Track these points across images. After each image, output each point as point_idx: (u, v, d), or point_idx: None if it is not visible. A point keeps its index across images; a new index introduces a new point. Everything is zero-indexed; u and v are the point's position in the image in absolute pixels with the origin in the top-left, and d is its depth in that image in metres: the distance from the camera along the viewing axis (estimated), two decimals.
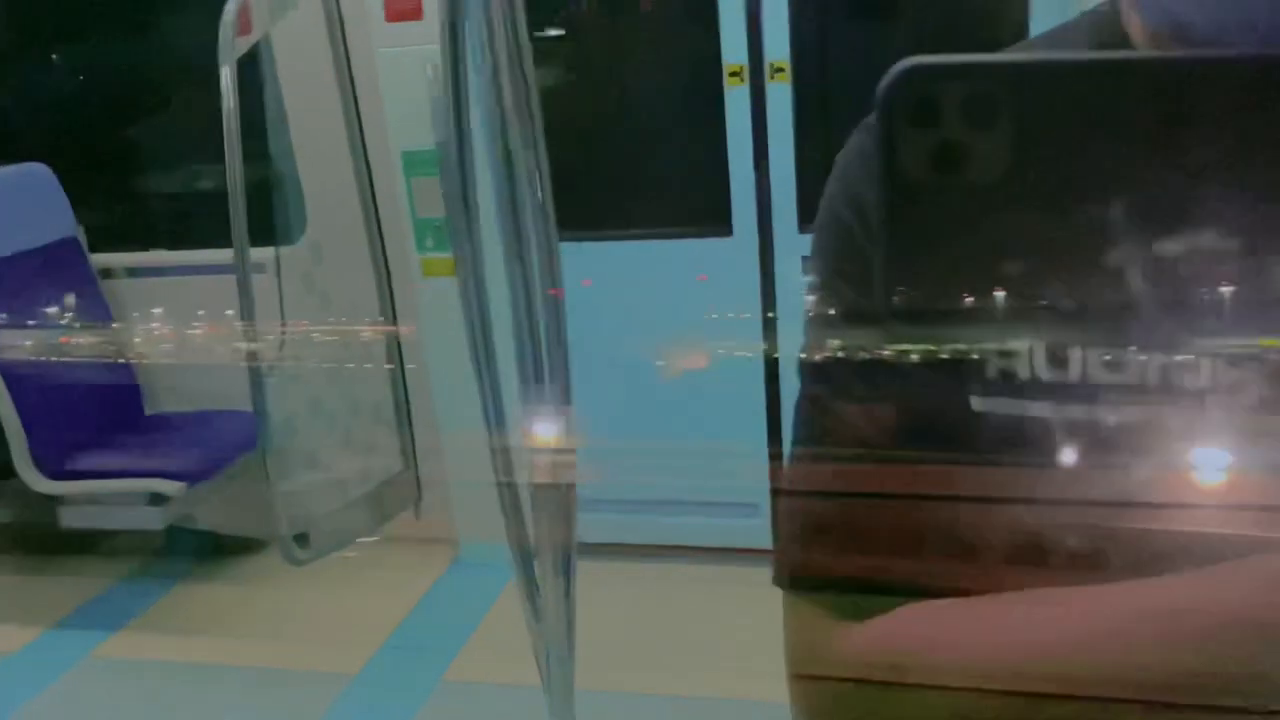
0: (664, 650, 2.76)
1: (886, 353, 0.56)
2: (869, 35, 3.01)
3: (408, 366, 3.28)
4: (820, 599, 0.62)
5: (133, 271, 3.48)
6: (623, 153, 3.18)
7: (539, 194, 1.66)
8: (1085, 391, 0.54)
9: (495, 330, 1.81)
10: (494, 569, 2.64)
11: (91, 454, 3.12)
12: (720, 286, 2.91)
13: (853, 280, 0.60)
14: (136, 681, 2.89)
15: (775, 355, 2.86)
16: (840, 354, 0.60)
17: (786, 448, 0.64)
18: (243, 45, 2.57)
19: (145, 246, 3.54)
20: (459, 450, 3.05)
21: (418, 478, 3.35)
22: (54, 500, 3.07)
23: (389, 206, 3.06)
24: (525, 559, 1.87)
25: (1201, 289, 0.44)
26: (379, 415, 3.30)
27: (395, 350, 3.28)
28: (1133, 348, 0.53)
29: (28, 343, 2.88)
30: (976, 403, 0.56)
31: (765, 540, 2.72)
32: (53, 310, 3.03)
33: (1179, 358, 0.52)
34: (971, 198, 0.45)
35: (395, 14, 2.73)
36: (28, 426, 3.01)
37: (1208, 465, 0.52)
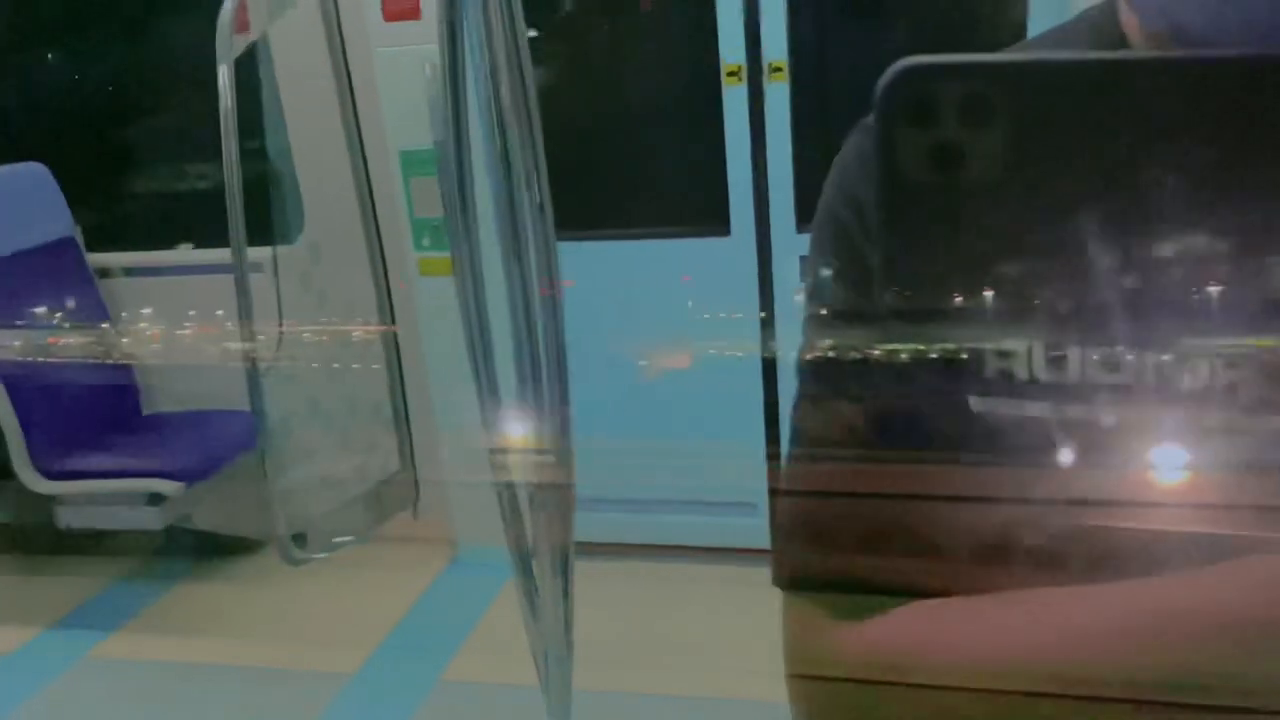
0: (662, 650, 2.76)
1: (884, 353, 0.56)
2: (867, 35, 3.01)
3: (405, 366, 3.28)
4: (819, 599, 0.61)
5: (130, 271, 3.48)
6: (621, 152, 3.17)
7: (537, 194, 1.66)
8: (1084, 391, 0.54)
9: (493, 330, 1.81)
10: (492, 569, 2.64)
11: (89, 454, 3.11)
12: (718, 286, 2.91)
13: (851, 280, 0.60)
14: (135, 681, 2.89)
15: (773, 355, 2.86)
16: (838, 354, 0.60)
17: (784, 447, 0.64)
18: (240, 44, 2.57)
19: (143, 246, 3.54)
20: (457, 450, 3.05)
21: (415, 477, 3.35)
22: (52, 500, 3.07)
23: (386, 206, 3.06)
24: (523, 559, 1.87)
25: (1200, 289, 0.44)
26: (377, 415, 3.30)
27: (393, 350, 3.27)
28: (1131, 348, 0.53)
29: (25, 343, 2.88)
30: (975, 403, 0.56)
31: (763, 540, 2.72)
32: (50, 310, 3.02)
33: (1177, 358, 0.53)
34: (969, 197, 0.45)
35: (393, 13, 2.73)
36: (26, 427, 3.01)
37: (1205, 465, 0.52)
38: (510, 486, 1.84)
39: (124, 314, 3.42)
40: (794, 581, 0.64)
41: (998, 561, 0.55)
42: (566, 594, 1.86)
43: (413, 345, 3.18)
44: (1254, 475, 0.51)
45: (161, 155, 3.80)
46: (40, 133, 3.79)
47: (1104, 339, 0.52)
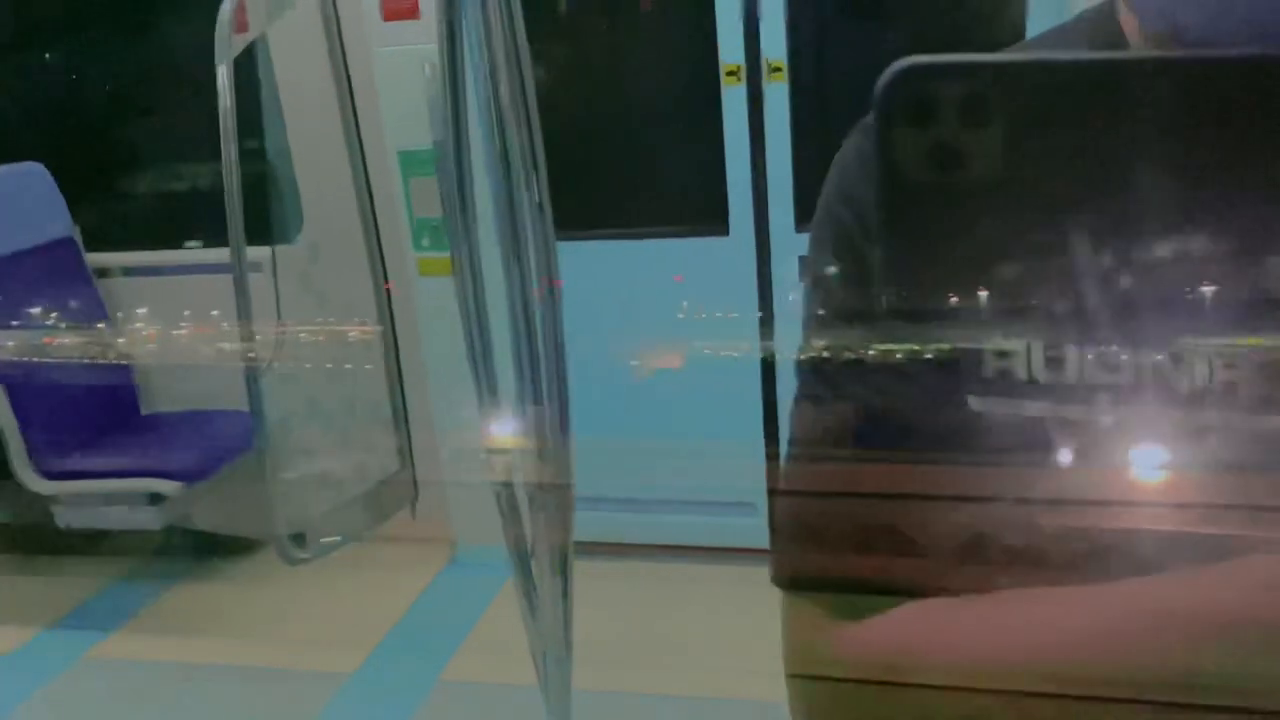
0: (661, 650, 2.76)
1: (883, 353, 0.56)
2: (866, 35, 3.01)
3: (404, 366, 3.28)
4: (818, 599, 0.62)
5: (129, 271, 3.48)
6: (620, 152, 3.17)
7: (536, 193, 1.66)
8: (1082, 391, 0.54)
9: (492, 330, 1.81)
10: (491, 568, 2.64)
11: (88, 454, 3.11)
12: (717, 286, 2.91)
13: (850, 279, 0.60)
14: (134, 681, 2.88)
15: (772, 355, 2.86)
16: (837, 354, 0.60)
17: (783, 447, 0.64)
18: (239, 44, 2.57)
19: (142, 246, 3.54)
20: (456, 450, 3.05)
21: (414, 477, 3.35)
22: (50, 500, 3.07)
23: (386, 206, 3.06)
24: (522, 558, 1.87)
25: (1199, 289, 0.44)
26: (376, 415, 3.29)
27: (392, 350, 3.27)
28: (1130, 348, 0.53)
29: (24, 343, 2.88)
30: (974, 402, 0.57)
31: (762, 539, 2.71)
32: (49, 310, 3.02)
33: (1176, 357, 0.53)
34: (968, 197, 0.45)
35: (392, 13, 2.73)
36: (24, 427, 3.00)
37: (1203, 465, 0.52)
38: (509, 486, 1.84)
39: (122, 314, 3.42)
40: (793, 581, 0.64)
41: (996, 561, 0.55)
42: (565, 594, 1.86)
43: (412, 345, 3.18)
44: (1253, 475, 0.51)
45: (160, 155, 3.80)
46: (39, 132, 3.79)
47: (1103, 338, 0.52)
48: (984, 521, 0.55)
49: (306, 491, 2.99)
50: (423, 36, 2.52)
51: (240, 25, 2.54)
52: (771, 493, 0.73)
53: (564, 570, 1.84)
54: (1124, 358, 0.53)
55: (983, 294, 0.45)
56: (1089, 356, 0.54)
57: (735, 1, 2.73)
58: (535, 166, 1.65)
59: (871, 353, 0.57)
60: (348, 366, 3.22)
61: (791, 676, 0.64)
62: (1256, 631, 0.46)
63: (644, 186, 3.18)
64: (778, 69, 2.74)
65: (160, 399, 3.52)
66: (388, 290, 3.17)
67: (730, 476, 3.04)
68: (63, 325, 3.04)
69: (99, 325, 3.30)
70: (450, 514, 3.25)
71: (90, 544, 3.48)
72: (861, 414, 0.59)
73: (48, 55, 3.80)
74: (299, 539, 2.82)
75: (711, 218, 2.91)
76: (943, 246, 0.46)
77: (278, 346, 2.86)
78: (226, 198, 2.45)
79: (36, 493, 3.03)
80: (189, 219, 3.60)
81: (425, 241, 2.91)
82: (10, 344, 2.85)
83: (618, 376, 2.86)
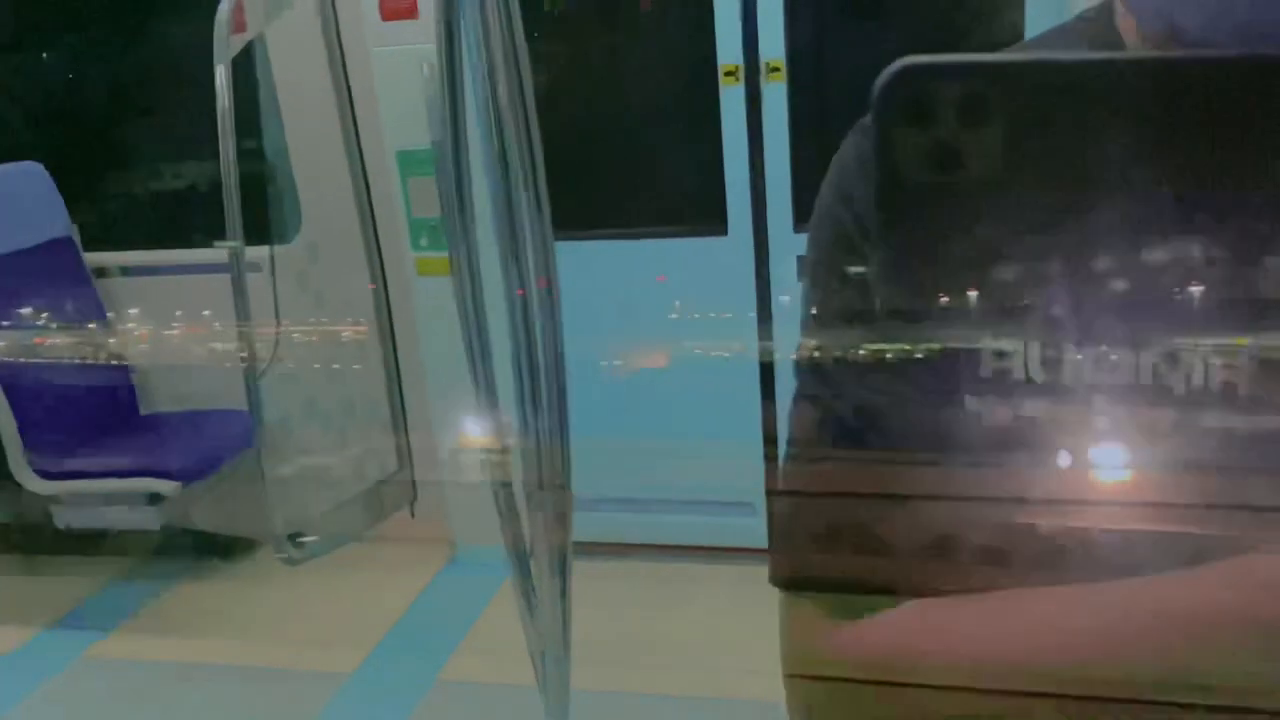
0: (659, 650, 2.76)
1: (881, 352, 0.56)
2: (864, 35, 3.01)
3: (402, 366, 3.28)
4: (816, 598, 0.62)
5: (127, 271, 3.48)
6: (618, 152, 3.17)
7: (534, 193, 1.66)
8: (1080, 391, 0.54)
9: (490, 329, 1.81)
10: (490, 568, 2.64)
11: (87, 454, 3.11)
12: (716, 286, 2.91)
13: (848, 279, 0.60)
14: (132, 681, 2.88)
15: (770, 355, 2.86)
16: (836, 353, 0.60)
17: (782, 447, 0.64)
18: (237, 44, 2.57)
19: (140, 245, 3.54)
20: (454, 449, 3.05)
21: (413, 477, 3.35)
22: (49, 500, 3.07)
23: (384, 206, 3.06)
24: (521, 558, 1.87)
25: (1198, 289, 0.44)
26: (374, 415, 3.29)
27: (390, 349, 3.27)
28: (1128, 348, 0.53)
29: (22, 343, 2.88)
30: (971, 402, 0.57)
31: (761, 539, 2.71)
32: (47, 310, 3.02)
33: (1174, 357, 0.53)
34: (966, 197, 0.45)
35: (390, 13, 2.73)
36: (23, 427, 3.00)
37: (1199, 465, 0.52)
38: (508, 486, 1.84)
39: (121, 313, 3.42)
40: (791, 581, 0.64)
41: (994, 561, 0.55)
42: (564, 594, 1.86)
43: (410, 345, 3.18)
44: (1250, 475, 0.51)
45: (159, 155, 3.80)
46: (38, 132, 3.79)
47: (1100, 339, 0.53)
48: (980, 521, 0.55)
49: (305, 491, 2.99)
50: (421, 36, 2.52)
51: (238, 25, 2.54)
52: (770, 493, 0.73)
53: (563, 570, 1.84)
54: (1121, 358, 0.53)
55: (980, 294, 0.45)
56: (1086, 357, 0.54)
57: (734, 1, 2.73)
58: (533, 166, 1.65)
59: (869, 353, 0.57)
60: (344, 367, 3.22)
61: (789, 676, 0.64)
62: (1256, 631, 0.46)
63: (642, 186, 3.18)
64: (776, 69, 2.74)
65: (159, 399, 3.52)
66: (376, 290, 3.17)
67: (729, 476, 3.04)
68: (61, 325, 3.04)
69: (93, 325, 3.30)
70: (449, 514, 3.24)
71: (89, 544, 3.48)
72: (860, 414, 0.59)
73: (47, 55, 3.79)
74: (298, 539, 2.82)
75: (710, 218, 2.91)
76: (941, 246, 0.46)
77: (276, 346, 2.86)
78: (225, 197, 2.45)
79: (35, 493, 3.02)
80: (187, 219, 3.60)
81: (423, 241, 2.91)
82: (9, 344, 2.85)
83: (616, 376, 2.86)
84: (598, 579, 2.60)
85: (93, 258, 3.43)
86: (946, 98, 0.44)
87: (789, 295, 2.83)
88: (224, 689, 2.80)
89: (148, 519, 3.03)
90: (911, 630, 0.57)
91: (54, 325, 3.00)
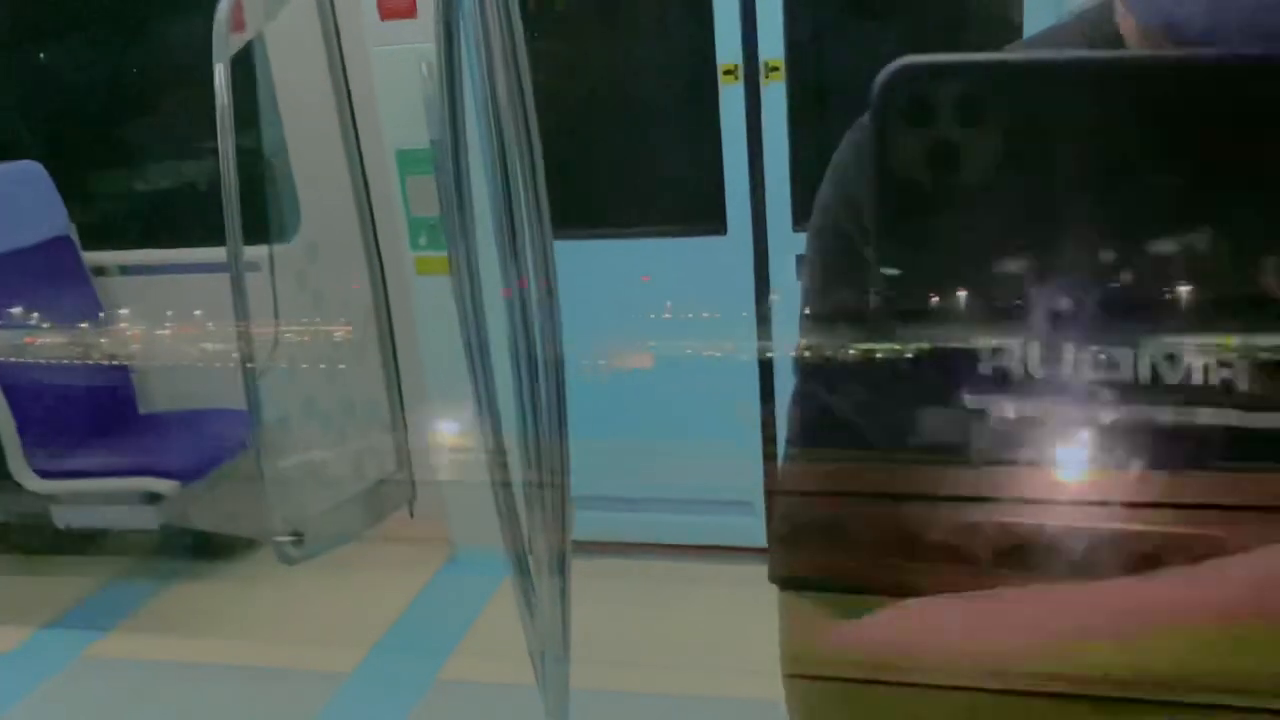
0: (659, 649, 2.77)
1: (880, 351, 0.56)
2: (864, 34, 3.01)
3: (401, 365, 3.28)
4: (815, 597, 0.62)
5: (126, 270, 3.48)
6: (617, 151, 3.17)
7: (533, 193, 1.66)
8: (1079, 390, 0.54)
9: (489, 328, 1.81)
10: (489, 567, 2.64)
11: (85, 453, 3.11)
12: (715, 285, 2.91)
13: (847, 278, 0.60)
14: (131, 681, 2.88)
15: (769, 354, 2.86)
16: (835, 352, 0.60)
17: (781, 445, 0.64)
18: (237, 43, 2.57)
19: (139, 244, 3.54)
20: (453, 449, 3.04)
21: (412, 477, 3.35)
22: (48, 499, 3.07)
23: (383, 205, 3.06)
24: (520, 558, 1.87)
25: (1197, 288, 0.44)
26: (373, 414, 3.29)
27: (389, 349, 3.27)
28: (1127, 346, 0.53)
29: (20, 342, 2.88)
30: (970, 401, 0.57)
31: (760, 538, 2.72)
32: (46, 309, 3.02)
33: (1173, 356, 0.53)
34: (965, 196, 0.45)
35: (389, 12, 2.73)
36: (21, 426, 3.00)
37: (1201, 464, 0.52)
38: (507, 485, 1.84)
39: (120, 312, 3.42)
40: (790, 580, 0.64)
41: (991, 559, 0.55)
42: (563, 593, 1.86)
43: (409, 344, 3.18)
44: (1249, 474, 0.51)
45: (158, 154, 3.80)
46: (36, 131, 3.79)
47: (1100, 338, 0.53)
48: (980, 520, 0.55)
49: (304, 491, 2.99)
50: (420, 35, 2.52)
51: (237, 24, 2.54)
52: (769, 491, 0.73)
53: (562, 570, 1.84)
54: (1120, 356, 0.53)
55: (979, 292, 0.45)
56: (1086, 355, 0.54)
57: (733, 1, 2.73)
58: (533, 165, 1.65)
59: (868, 351, 0.57)
60: (343, 366, 3.22)
61: (789, 676, 0.64)
62: (1256, 628, 0.46)
63: (641, 185, 3.18)
64: (775, 68, 2.74)
65: (159, 398, 3.52)
66: (375, 289, 3.17)
67: (727, 476, 3.04)
68: (60, 324, 3.04)
69: (89, 324, 3.29)
70: (448, 514, 3.24)
71: (88, 543, 3.48)
72: (859, 412, 0.59)
73: (45, 54, 3.79)
74: (296, 538, 2.82)
75: (709, 217, 2.91)
76: (939, 245, 0.46)
77: (274, 346, 2.86)
78: (224, 196, 2.45)
79: (34, 492, 3.02)
80: (186, 218, 3.60)
81: (422, 240, 2.91)
82: (8, 343, 2.85)
83: (614, 375, 2.86)
84: (597, 578, 2.60)
85: (92, 257, 3.43)
86: (945, 97, 0.44)
87: (788, 294, 2.83)
88: (223, 688, 2.80)
89: (147, 518, 3.03)
90: (910, 628, 0.57)
91: (53, 324, 3.00)
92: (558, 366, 1.74)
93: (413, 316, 3.06)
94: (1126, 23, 0.55)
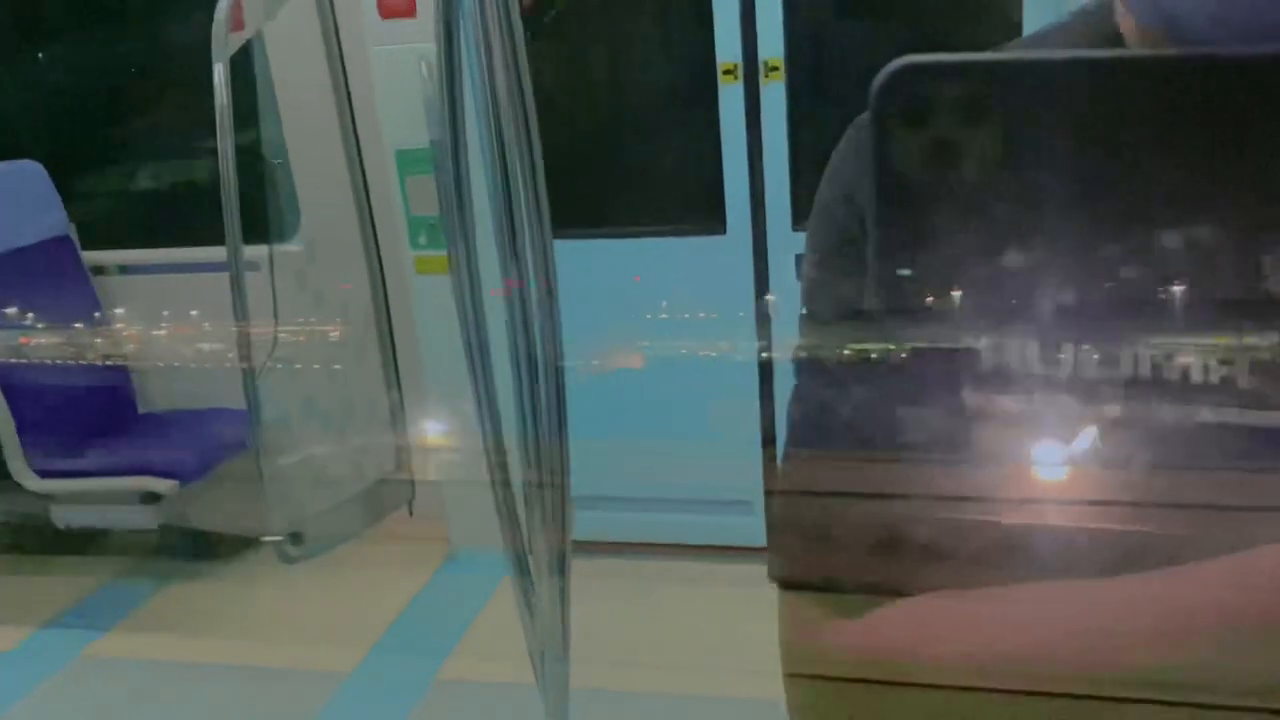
0: (658, 649, 2.77)
1: (880, 350, 0.56)
2: (863, 34, 3.01)
3: (401, 364, 3.28)
4: (815, 596, 0.61)
5: (125, 269, 3.48)
6: (617, 151, 3.17)
7: (533, 192, 1.66)
8: (1079, 387, 0.54)
9: (489, 328, 1.81)
10: (488, 567, 2.64)
11: (85, 453, 3.11)
12: (714, 285, 2.91)
13: (846, 278, 0.60)
14: (130, 680, 2.88)
15: (769, 353, 2.86)
16: (834, 351, 0.60)
17: (780, 445, 0.64)
18: (236, 42, 2.57)
19: (138, 244, 3.53)
20: (452, 449, 3.04)
21: (411, 476, 3.34)
22: (47, 499, 3.07)
23: (383, 205, 3.06)
24: (519, 558, 1.87)
25: (1197, 286, 0.44)
26: (372, 414, 3.29)
27: (388, 348, 3.27)
28: (1128, 344, 0.53)
29: (20, 341, 2.88)
30: (970, 400, 0.57)
31: (759, 538, 2.72)
32: (45, 308, 3.02)
33: (1172, 354, 0.53)
34: (965, 195, 0.45)
35: (389, 11, 2.73)
36: (21, 426, 3.00)
37: (1199, 463, 0.52)
38: (506, 485, 1.84)
39: (119, 312, 3.42)
40: (789, 579, 0.64)
41: (992, 558, 0.55)
42: (563, 593, 1.86)
43: (409, 343, 3.18)
44: (1250, 473, 0.51)
45: (157, 153, 3.79)
46: (35, 130, 3.79)
47: (1100, 335, 0.52)
48: (980, 519, 0.55)
49: (303, 491, 2.99)
50: (420, 35, 2.51)
51: (236, 23, 2.54)
52: (768, 491, 0.73)
53: (561, 569, 1.84)
54: (1120, 355, 0.53)
55: (978, 292, 0.45)
56: (1086, 353, 0.54)
57: (733, 0, 2.73)
58: (532, 165, 1.65)
59: (867, 350, 0.57)
60: (342, 366, 3.22)
61: (788, 675, 0.64)
62: (1262, 627, 0.46)
63: (641, 185, 3.18)
64: (775, 68, 2.74)
65: (158, 398, 3.52)
66: (374, 288, 3.16)
67: (727, 476, 3.04)
68: (59, 324, 3.03)
69: (87, 324, 3.29)
70: (447, 513, 3.24)
71: (87, 543, 3.48)
72: (858, 411, 0.59)
73: (44, 53, 3.79)
74: (295, 538, 2.82)
75: (708, 216, 2.91)
76: (939, 245, 0.46)
77: (274, 345, 2.86)
78: (223, 196, 2.44)
79: (33, 491, 3.02)
80: (186, 217, 3.60)
81: (422, 240, 2.91)
82: (7, 342, 2.85)
83: (613, 375, 2.86)
84: (597, 578, 2.59)
85: (91, 256, 3.42)
86: (945, 96, 0.44)
87: (787, 294, 2.82)
88: (222, 688, 2.80)
89: (145, 518, 3.03)
90: (909, 627, 0.57)
91: (52, 323, 3.00)
92: (557, 366, 1.74)
93: (412, 316, 3.06)
94: (1126, 22, 0.55)
